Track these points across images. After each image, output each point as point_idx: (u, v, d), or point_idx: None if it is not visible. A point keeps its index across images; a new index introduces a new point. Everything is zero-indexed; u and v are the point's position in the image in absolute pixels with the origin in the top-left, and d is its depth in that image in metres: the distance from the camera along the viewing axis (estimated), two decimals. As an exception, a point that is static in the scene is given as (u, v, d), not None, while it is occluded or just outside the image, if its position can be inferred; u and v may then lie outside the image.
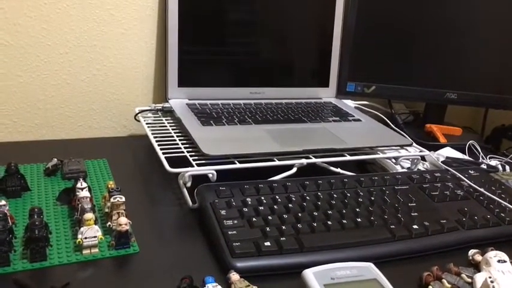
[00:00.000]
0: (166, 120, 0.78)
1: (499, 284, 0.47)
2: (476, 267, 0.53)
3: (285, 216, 0.55)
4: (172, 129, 0.74)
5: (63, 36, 0.78)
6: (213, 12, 0.83)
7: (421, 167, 0.79)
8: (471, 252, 0.55)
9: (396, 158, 0.74)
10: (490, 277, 0.47)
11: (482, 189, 0.67)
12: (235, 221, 0.53)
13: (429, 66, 0.96)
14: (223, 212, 0.55)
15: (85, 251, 0.48)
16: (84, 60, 0.81)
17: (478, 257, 0.54)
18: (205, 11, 0.82)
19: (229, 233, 0.51)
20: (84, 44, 0.80)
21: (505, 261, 0.50)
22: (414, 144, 0.77)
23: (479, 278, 0.48)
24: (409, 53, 0.95)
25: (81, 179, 0.55)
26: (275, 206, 0.57)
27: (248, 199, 0.58)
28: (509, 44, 0.95)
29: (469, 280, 0.50)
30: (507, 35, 0.94)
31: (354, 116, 0.85)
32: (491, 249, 0.54)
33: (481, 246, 0.56)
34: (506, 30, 0.94)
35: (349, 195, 0.62)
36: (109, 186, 0.55)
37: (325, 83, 0.95)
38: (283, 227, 0.53)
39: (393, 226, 0.57)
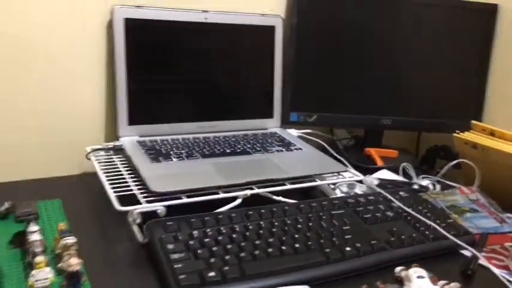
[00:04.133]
0: (118, 158, 0.81)
1: (418, 297, 0.53)
2: (402, 283, 0.59)
3: (229, 246, 0.60)
4: (124, 167, 0.77)
5: (12, 81, 0.81)
6: (158, 53, 0.87)
7: (358, 189, 0.86)
8: (397, 269, 0.61)
9: (334, 184, 0.81)
10: (408, 292, 0.53)
11: (410, 210, 0.74)
12: (182, 254, 0.57)
13: (365, 95, 1.04)
14: (170, 247, 0.58)
15: (37, 293, 0.51)
16: (33, 101, 0.84)
17: (403, 273, 0.60)
18: (150, 53, 0.87)
19: (175, 266, 0.55)
20: (32, 85, 0.83)
21: (423, 277, 0.56)
22: (350, 169, 0.84)
23: (400, 293, 0.54)
24: (346, 83, 1.03)
25: (32, 222, 0.58)
26: (219, 237, 0.61)
27: (194, 232, 0.62)
28: (438, 73, 1.05)
29: (394, 295, 0.56)
30: (436, 65, 1.04)
31: (295, 145, 0.91)
32: (415, 265, 0.60)
33: (408, 262, 0.63)
34: (436, 60, 1.04)
35: (289, 222, 0.67)
36: (59, 228, 0.58)
37: (269, 114, 1.01)
38: (227, 257, 0.58)
39: (328, 249, 0.62)
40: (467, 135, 0.91)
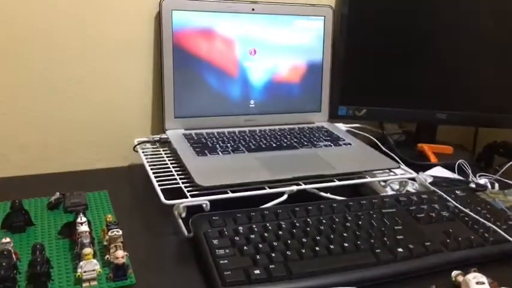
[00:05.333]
0: (163, 151, 0.81)
1: (477, 306, 0.49)
2: (459, 288, 0.55)
3: (275, 243, 0.58)
4: (169, 160, 0.77)
5: (64, 74, 0.83)
6: (205, 45, 0.87)
7: (410, 187, 0.82)
8: (454, 273, 0.57)
9: (385, 181, 0.77)
10: (467, 299, 0.49)
11: (467, 210, 0.70)
12: (227, 250, 0.56)
13: (418, 88, 0.99)
14: (215, 242, 0.58)
15: (85, 284, 0.51)
16: (84, 96, 0.85)
17: (460, 278, 0.56)
18: (197, 45, 0.86)
19: (221, 262, 0.54)
20: (84, 81, 0.84)
21: (483, 283, 0.52)
22: (402, 166, 0.80)
23: (458, 300, 0.51)
24: (397, 76, 0.98)
25: (81, 213, 0.59)
26: (265, 234, 0.60)
27: (240, 228, 0.61)
28: (497, 65, 0.98)
29: (451, 302, 0.52)
30: (495, 57, 0.97)
31: (344, 140, 0.88)
32: (474, 271, 0.56)
33: (465, 267, 0.58)
34: (494, 52, 0.97)
35: (337, 220, 0.65)
36: (107, 220, 0.58)
37: (317, 108, 0.98)
38: (273, 255, 0.56)
39: (378, 250, 0.59)
40: (532, 131, 0.84)
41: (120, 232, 0.55)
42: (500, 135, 1.05)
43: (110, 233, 0.54)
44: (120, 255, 0.52)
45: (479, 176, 0.90)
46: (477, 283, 0.52)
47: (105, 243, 0.57)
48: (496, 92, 0.99)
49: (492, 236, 0.64)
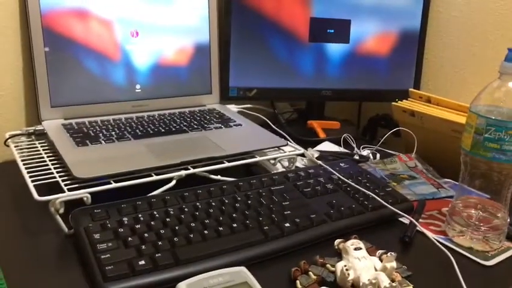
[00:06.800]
0: (40, 144, 0.75)
1: (355, 270, 0.52)
2: (341, 255, 0.58)
3: (162, 231, 0.57)
4: (46, 154, 0.71)
5: None
6: (78, 26, 0.81)
7: (299, 163, 0.84)
8: (336, 241, 0.60)
9: (274, 159, 0.79)
10: (345, 265, 0.52)
11: (349, 181, 0.73)
12: (110, 244, 0.53)
13: (304, 66, 1.02)
14: (96, 236, 0.54)
15: None
16: None
17: (342, 246, 0.59)
18: (68, 28, 0.80)
19: (102, 256, 0.51)
20: None
21: (360, 248, 0.56)
22: (290, 143, 0.82)
23: (338, 266, 0.53)
24: (284, 55, 1.00)
25: None
26: (152, 222, 0.58)
27: (125, 218, 0.58)
28: (377, 44, 1.04)
29: (333, 269, 0.55)
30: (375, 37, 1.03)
31: (235, 121, 0.88)
32: (353, 237, 0.60)
33: (348, 234, 0.62)
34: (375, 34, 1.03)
35: (227, 201, 0.65)
36: (-31, 225, 0.52)
37: (208, 90, 0.97)
38: (160, 243, 0.54)
39: (267, 227, 0.60)
40: (405, 103, 0.91)
41: (-16, 237, 0.49)
42: (382, 109, 1.12)
43: (-29, 239, 0.49)
44: (-18, 262, 0.47)
45: (363, 147, 0.96)
46: (355, 249, 0.55)
47: (-33, 250, 0.51)
48: (376, 69, 1.06)
49: (371, 203, 0.68)
